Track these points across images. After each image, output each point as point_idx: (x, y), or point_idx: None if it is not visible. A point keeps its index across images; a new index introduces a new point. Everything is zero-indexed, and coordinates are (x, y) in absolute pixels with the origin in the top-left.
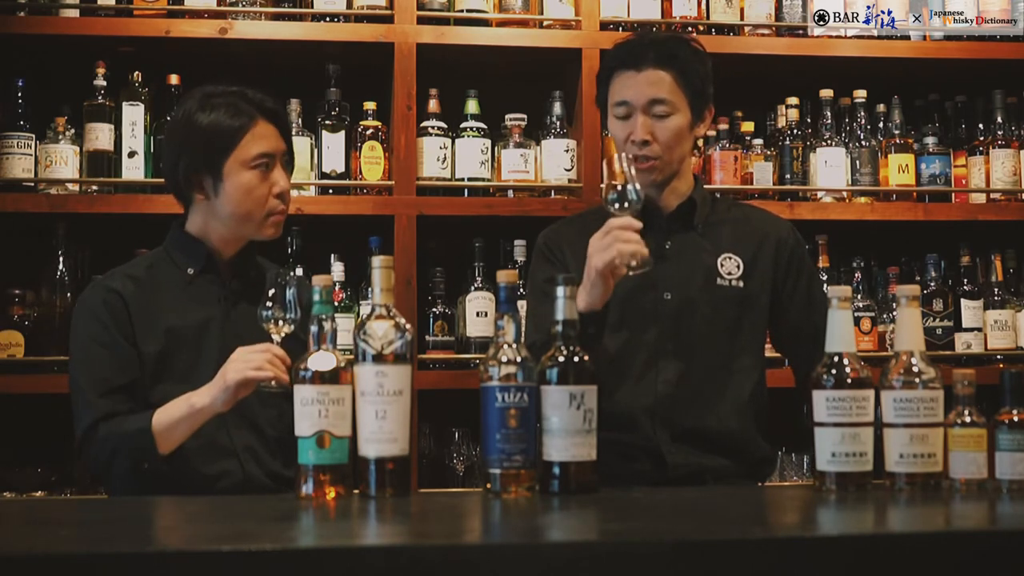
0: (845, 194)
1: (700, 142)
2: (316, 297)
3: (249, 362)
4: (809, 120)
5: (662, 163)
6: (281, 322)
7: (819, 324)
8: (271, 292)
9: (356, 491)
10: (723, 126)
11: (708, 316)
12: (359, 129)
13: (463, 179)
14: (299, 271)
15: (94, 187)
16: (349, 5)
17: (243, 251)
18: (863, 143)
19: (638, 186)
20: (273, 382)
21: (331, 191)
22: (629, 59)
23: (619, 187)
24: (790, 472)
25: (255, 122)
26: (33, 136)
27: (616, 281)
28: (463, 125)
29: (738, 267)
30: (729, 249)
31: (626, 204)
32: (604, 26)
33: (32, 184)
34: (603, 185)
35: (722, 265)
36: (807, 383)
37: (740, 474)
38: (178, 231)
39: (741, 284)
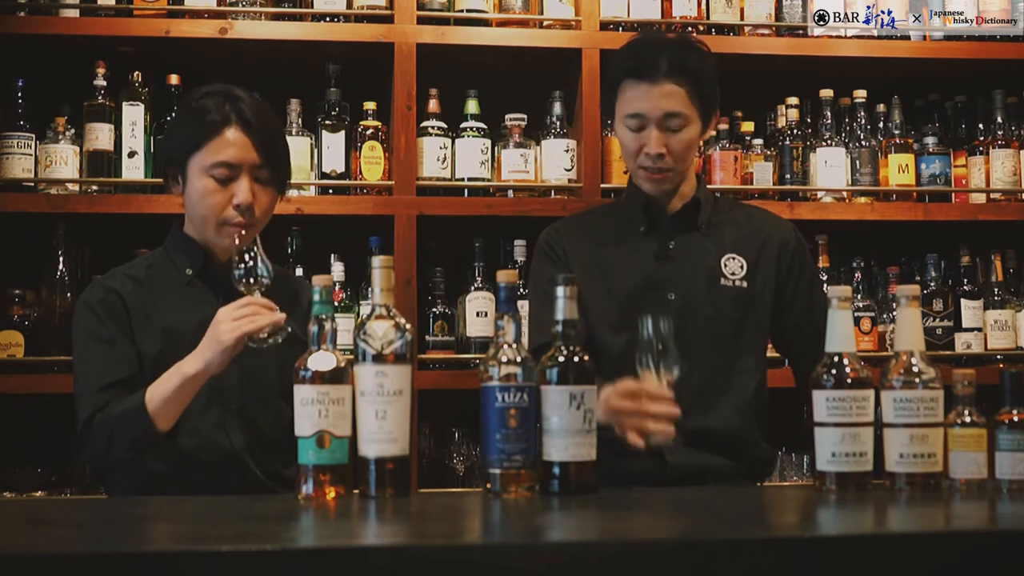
0: (845, 194)
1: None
2: (316, 297)
3: (240, 317)
4: (809, 120)
5: (675, 174)
6: (254, 280)
7: (820, 325)
8: (242, 255)
9: (356, 491)
10: (723, 126)
11: (711, 317)
12: (359, 129)
13: (463, 179)
14: (299, 271)
15: (94, 187)
16: (349, 5)
17: None
18: (863, 143)
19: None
20: (266, 333)
21: (331, 191)
22: (642, 70)
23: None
24: (790, 472)
25: (226, 128)
26: (33, 136)
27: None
28: (463, 125)
29: (742, 267)
30: (732, 249)
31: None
32: (604, 26)
33: (32, 184)
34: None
35: (725, 265)
36: (808, 384)
37: (740, 474)
38: (178, 231)
39: (744, 284)
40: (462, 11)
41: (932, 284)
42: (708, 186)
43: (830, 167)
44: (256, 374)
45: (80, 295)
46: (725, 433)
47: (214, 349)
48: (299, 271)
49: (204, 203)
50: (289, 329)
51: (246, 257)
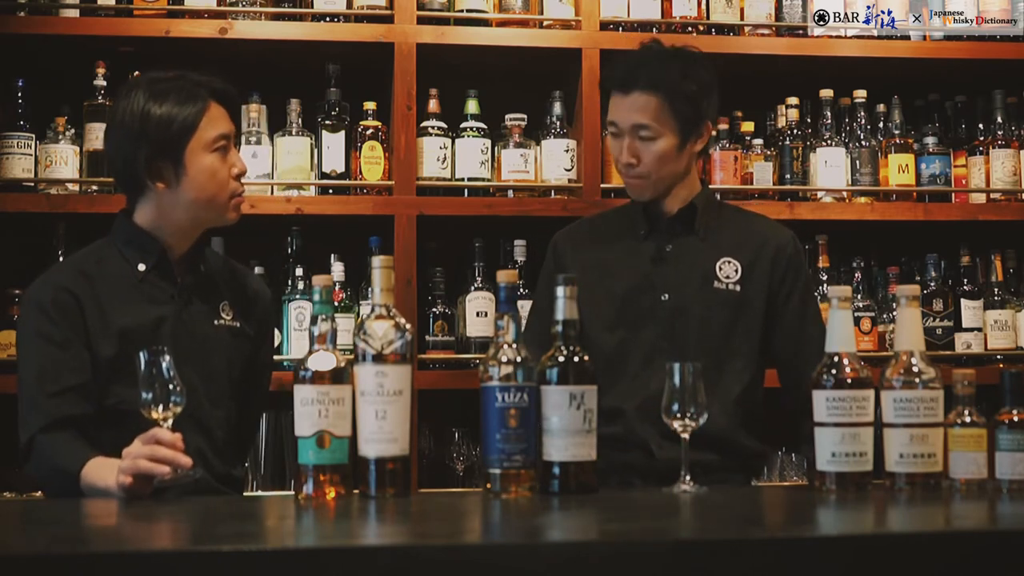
0: (845, 194)
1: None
2: (316, 297)
3: (137, 456)
4: (809, 120)
5: (650, 182)
6: (163, 406)
7: (810, 337)
8: (143, 370)
9: (356, 491)
10: (723, 126)
11: (703, 318)
12: (359, 129)
13: (463, 179)
14: (299, 271)
15: (94, 187)
16: (349, 5)
17: (195, 245)
18: (863, 143)
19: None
20: (166, 476)
21: (331, 191)
22: (619, 81)
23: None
24: (790, 472)
25: (209, 105)
26: (33, 136)
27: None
28: (463, 125)
29: (736, 271)
30: (728, 253)
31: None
32: (604, 26)
33: (32, 184)
34: None
35: (720, 269)
36: (796, 391)
37: (729, 468)
38: (126, 223)
39: (738, 288)
40: (462, 11)
41: (932, 284)
42: (708, 186)
43: (830, 167)
44: (211, 375)
45: (28, 291)
46: (710, 431)
47: (113, 485)
48: (299, 271)
49: (215, 180)
50: (197, 476)
51: (163, 371)
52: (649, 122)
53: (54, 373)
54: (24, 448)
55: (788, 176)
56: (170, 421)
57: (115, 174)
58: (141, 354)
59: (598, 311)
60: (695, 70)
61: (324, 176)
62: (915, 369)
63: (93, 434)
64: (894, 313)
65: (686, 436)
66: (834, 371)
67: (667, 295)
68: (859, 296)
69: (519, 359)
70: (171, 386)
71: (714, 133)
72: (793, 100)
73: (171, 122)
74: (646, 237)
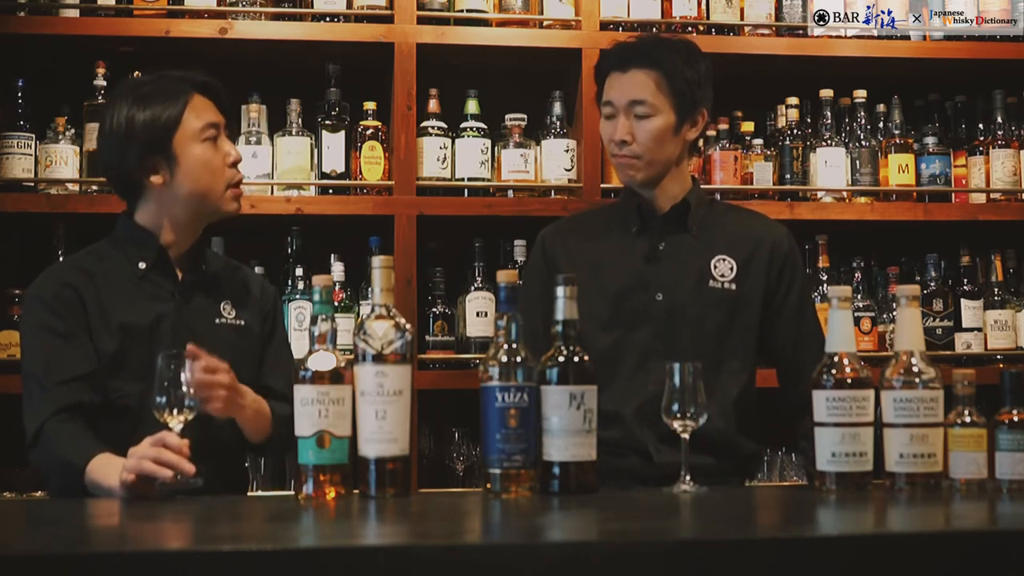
0: (845, 194)
1: (700, 143)
2: (316, 297)
3: (142, 457)
4: (809, 120)
5: (643, 162)
6: (176, 410)
7: (806, 337)
8: (159, 372)
9: (356, 491)
10: (723, 126)
11: (698, 317)
12: (359, 129)
13: (463, 179)
14: (299, 271)
15: (94, 187)
16: (349, 5)
17: (196, 244)
18: (863, 143)
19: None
20: (168, 480)
21: (331, 191)
22: (617, 61)
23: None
24: (790, 472)
25: (192, 96)
26: (33, 136)
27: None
28: (463, 125)
29: (731, 269)
30: (723, 251)
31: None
32: (604, 26)
33: (32, 184)
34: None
35: (715, 267)
36: (794, 389)
37: (727, 471)
38: (128, 223)
39: (733, 287)
40: (462, 11)
41: (932, 284)
42: (708, 186)
43: (830, 167)
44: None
45: (29, 288)
46: (709, 433)
47: (116, 484)
48: (299, 271)
49: (209, 169)
50: (199, 483)
51: (179, 376)
52: (647, 97)
53: (60, 363)
54: (32, 439)
55: (788, 176)
56: (180, 426)
57: (110, 179)
58: (159, 357)
59: (591, 310)
60: (693, 57)
61: (324, 176)
62: (915, 369)
63: (93, 425)
64: (894, 313)
65: (686, 436)
66: (834, 371)
67: (661, 295)
68: (859, 296)
69: (519, 359)
70: (185, 389)
71: (712, 133)
72: (793, 100)
73: (156, 122)
74: (638, 234)
